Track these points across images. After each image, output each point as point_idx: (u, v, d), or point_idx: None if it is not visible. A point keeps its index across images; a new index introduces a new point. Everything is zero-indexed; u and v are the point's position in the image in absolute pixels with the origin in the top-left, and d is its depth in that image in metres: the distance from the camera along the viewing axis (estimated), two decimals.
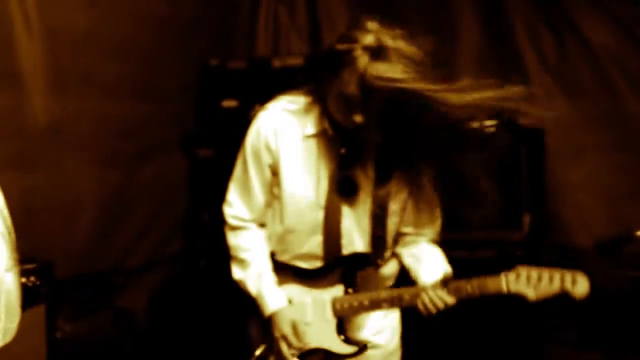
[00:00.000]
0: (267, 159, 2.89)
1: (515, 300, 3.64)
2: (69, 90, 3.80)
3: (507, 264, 3.80)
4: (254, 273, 2.93)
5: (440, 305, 2.77)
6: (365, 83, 2.57)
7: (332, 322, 2.87)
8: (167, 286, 4.37)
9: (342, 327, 2.89)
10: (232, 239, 3.01)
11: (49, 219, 3.77)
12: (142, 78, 4.18)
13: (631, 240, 3.16)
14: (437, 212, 3.01)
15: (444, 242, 3.81)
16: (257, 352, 2.89)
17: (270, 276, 2.93)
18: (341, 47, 2.63)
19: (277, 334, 2.84)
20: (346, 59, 2.61)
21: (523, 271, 2.70)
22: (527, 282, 2.68)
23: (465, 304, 3.69)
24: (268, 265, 2.95)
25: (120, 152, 4.13)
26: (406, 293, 2.82)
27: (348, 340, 2.87)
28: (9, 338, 2.16)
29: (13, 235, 2.17)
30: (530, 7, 4.55)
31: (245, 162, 2.94)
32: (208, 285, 4.14)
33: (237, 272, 2.99)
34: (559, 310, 4.23)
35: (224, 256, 3.09)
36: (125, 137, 4.13)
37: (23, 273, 3.06)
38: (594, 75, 4.40)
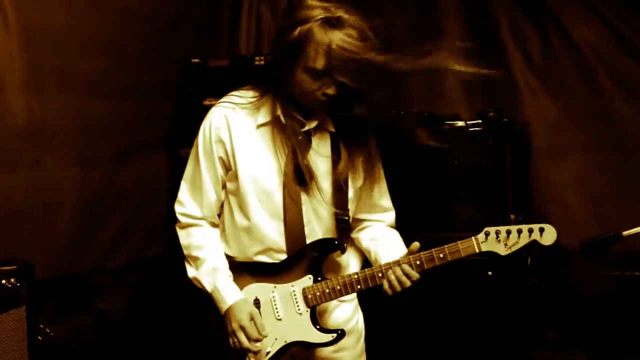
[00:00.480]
0: (219, 153, 2.89)
1: (501, 302, 3.64)
2: (48, 88, 3.74)
3: (492, 264, 3.81)
4: (208, 269, 2.92)
5: (407, 282, 2.78)
6: (332, 53, 2.61)
7: (306, 314, 2.87)
8: (149, 287, 4.32)
9: (316, 316, 2.89)
10: (184, 238, 3.00)
11: (28, 220, 3.72)
12: (122, 76, 4.13)
13: (618, 240, 3.14)
14: (389, 200, 3.03)
15: (429, 242, 3.80)
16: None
17: (225, 271, 2.92)
18: (296, 32, 2.66)
19: (234, 326, 2.82)
20: (306, 37, 2.64)
21: (491, 230, 2.81)
22: (497, 240, 2.79)
23: (450, 308, 3.69)
24: (222, 260, 2.95)
25: (100, 151, 4.08)
26: (378, 271, 2.82)
27: (324, 330, 2.86)
28: None
29: None
30: (515, 6, 4.54)
31: (197, 159, 2.95)
32: (190, 287, 4.09)
33: (190, 271, 2.99)
34: (545, 312, 4.24)
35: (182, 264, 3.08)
36: (105, 136, 4.08)
37: (3, 274, 3.04)
38: (579, 74, 4.40)
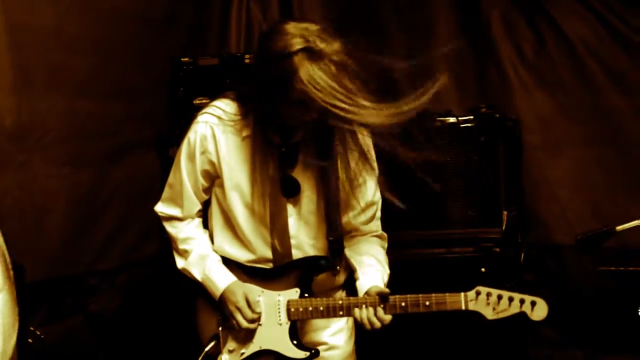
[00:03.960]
0: (204, 166, 2.92)
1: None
2: (36, 88, 3.72)
3: (485, 261, 3.80)
4: (195, 258, 2.95)
5: (377, 324, 2.81)
6: (310, 87, 2.55)
7: (286, 326, 2.88)
8: (141, 289, 4.30)
9: (295, 330, 2.89)
10: (170, 229, 3.04)
11: (18, 222, 3.69)
12: (112, 76, 4.11)
13: (611, 235, 3.14)
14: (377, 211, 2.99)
15: (423, 240, 3.78)
16: (207, 348, 2.88)
17: (213, 257, 2.95)
18: (273, 64, 2.63)
19: (231, 308, 2.84)
20: (284, 71, 2.60)
21: (483, 290, 2.77)
22: (486, 302, 2.76)
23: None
24: (208, 247, 2.97)
25: (90, 151, 4.06)
26: (363, 302, 2.80)
27: (300, 345, 2.86)
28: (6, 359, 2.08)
29: (7, 255, 2.09)
30: (506, 0, 4.53)
31: (179, 166, 2.98)
32: (184, 287, 4.09)
33: (179, 262, 3.02)
34: None
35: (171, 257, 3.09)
36: (95, 136, 4.06)
37: None
38: (572, 69, 4.40)
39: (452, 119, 3.99)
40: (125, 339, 4.23)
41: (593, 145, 4.38)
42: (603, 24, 4.30)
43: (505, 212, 3.95)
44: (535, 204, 4.44)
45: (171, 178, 3.02)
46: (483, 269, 3.81)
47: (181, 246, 2.99)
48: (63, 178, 3.91)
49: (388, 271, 2.96)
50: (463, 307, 2.78)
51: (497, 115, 4.02)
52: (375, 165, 2.95)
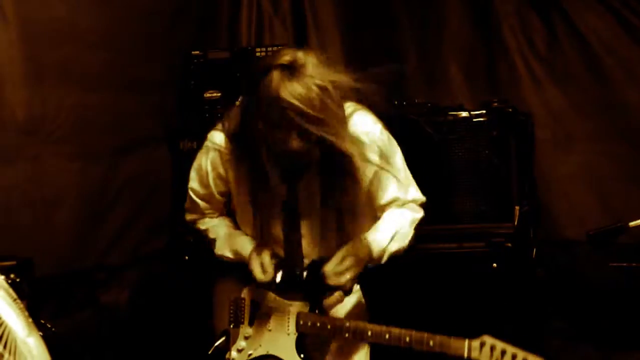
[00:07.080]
0: (219, 188, 2.97)
1: (508, 295, 3.62)
2: (48, 82, 3.72)
3: (497, 257, 3.79)
4: (223, 239, 3.01)
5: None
6: (279, 104, 2.51)
7: (293, 336, 2.88)
8: (151, 282, 4.31)
9: (302, 342, 2.89)
10: (200, 225, 3.12)
11: (28, 215, 3.71)
12: (123, 69, 4.11)
13: (623, 231, 3.13)
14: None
15: (434, 235, 3.77)
16: (217, 343, 2.88)
17: (235, 233, 3.01)
18: (259, 83, 2.56)
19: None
20: (264, 80, 2.54)
21: (488, 341, 2.64)
22: (490, 355, 2.63)
23: (456, 301, 3.66)
24: (231, 227, 3.05)
25: (101, 145, 4.06)
26: (370, 330, 2.77)
27: (306, 358, 2.86)
28: None
29: (20, 303, 2.11)
30: None
31: (190, 188, 3.04)
32: (193, 281, 4.09)
33: (215, 250, 3.04)
34: (551, 304, 4.21)
35: (208, 251, 3.10)
36: (106, 130, 4.06)
37: (2, 271, 3.00)
38: (585, 63, 4.38)
39: (464, 114, 3.97)
40: (135, 333, 4.23)
41: (605, 140, 4.37)
42: (616, 17, 4.28)
43: (517, 207, 3.93)
44: (546, 199, 4.42)
45: (188, 193, 3.08)
46: (494, 265, 3.80)
47: (210, 235, 3.06)
48: (73, 172, 3.92)
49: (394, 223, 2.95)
50: (465, 355, 2.66)
51: (510, 110, 4.00)
52: (393, 160, 2.93)
